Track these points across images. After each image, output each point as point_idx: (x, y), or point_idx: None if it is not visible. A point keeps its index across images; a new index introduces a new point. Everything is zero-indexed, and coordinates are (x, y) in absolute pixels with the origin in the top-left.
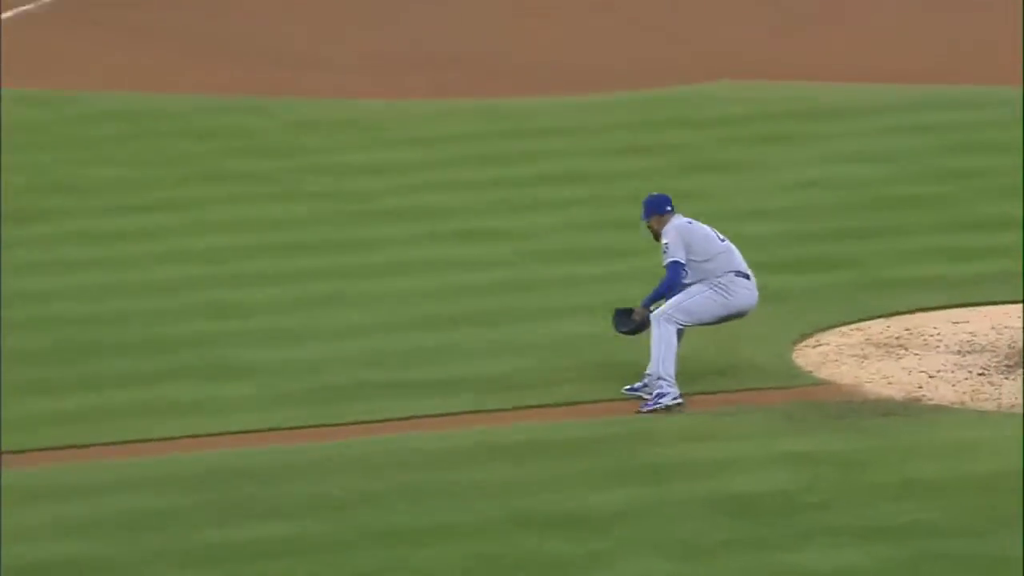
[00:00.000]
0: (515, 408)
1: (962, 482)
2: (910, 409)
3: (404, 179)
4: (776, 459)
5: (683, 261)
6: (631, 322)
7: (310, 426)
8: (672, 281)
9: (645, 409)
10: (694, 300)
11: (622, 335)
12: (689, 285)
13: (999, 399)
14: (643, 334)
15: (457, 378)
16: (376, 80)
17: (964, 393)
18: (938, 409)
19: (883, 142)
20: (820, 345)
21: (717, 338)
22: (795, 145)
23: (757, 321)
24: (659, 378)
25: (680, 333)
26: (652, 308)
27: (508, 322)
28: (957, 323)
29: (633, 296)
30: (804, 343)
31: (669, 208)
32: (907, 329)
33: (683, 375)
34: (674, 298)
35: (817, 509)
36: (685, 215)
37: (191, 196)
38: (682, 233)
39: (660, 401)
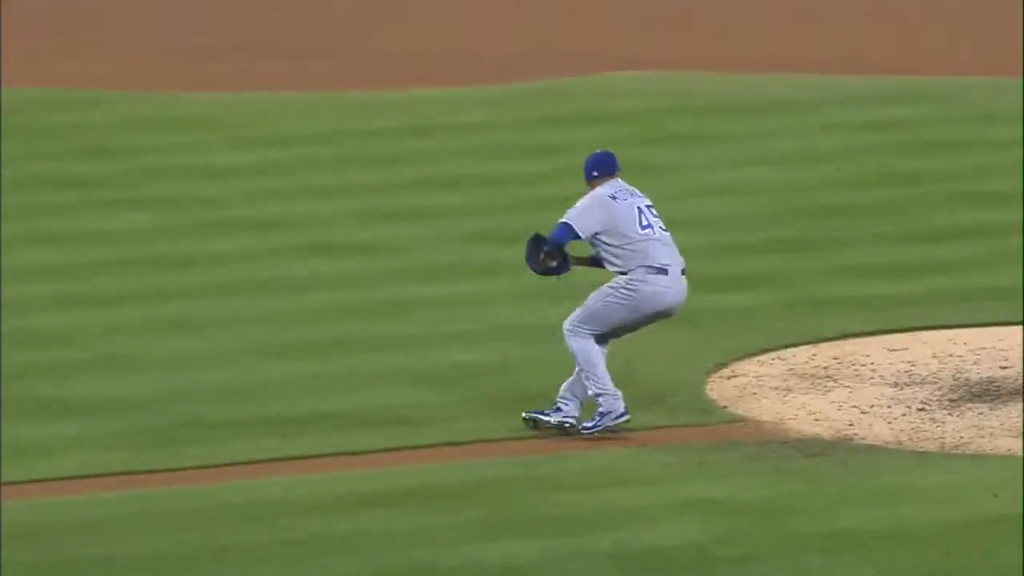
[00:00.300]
0: (389, 449)
1: (899, 533)
2: (840, 450)
3: (257, 184)
4: (687, 507)
5: (579, 232)
6: (537, 257)
7: (146, 471)
8: (553, 238)
9: (585, 432)
10: (597, 307)
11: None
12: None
13: (942, 438)
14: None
15: (321, 414)
16: (224, 70)
17: (901, 431)
18: (872, 450)
19: (811, 141)
20: (737, 376)
21: (617, 368)
22: (710, 145)
23: (665, 348)
24: (596, 395)
25: (605, 337)
26: (568, 257)
27: (378, 349)
28: (894, 351)
29: (519, 320)
30: (718, 373)
31: (596, 175)
32: (836, 358)
33: (583, 410)
34: (582, 306)
35: (734, 564)
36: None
37: (5, 205)
38: (600, 205)
39: (601, 421)
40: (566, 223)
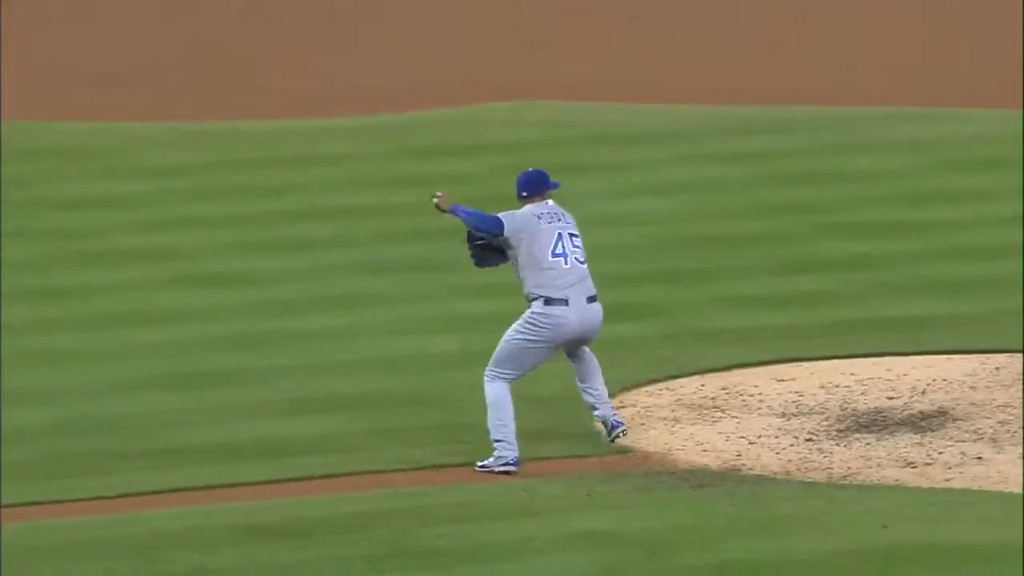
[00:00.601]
0: (270, 481)
1: (788, 565)
2: (728, 480)
3: (134, 215)
4: (574, 539)
5: (503, 226)
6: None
7: (16, 504)
8: (478, 215)
9: (478, 467)
10: (505, 347)
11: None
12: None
13: (830, 469)
14: None
15: (199, 446)
16: (100, 100)
17: (789, 462)
18: (760, 480)
19: (694, 171)
20: (624, 407)
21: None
22: (594, 175)
23: (553, 380)
24: (495, 441)
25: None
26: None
27: (255, 380)
28: (781, 381)
29: (395, 351)
30: None
31: (525, 194)
32: (724, 388)
33: (468, 442)
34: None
35: None
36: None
37: None
38: (525, 219)
39: (486, 464)
40: (497, 217)
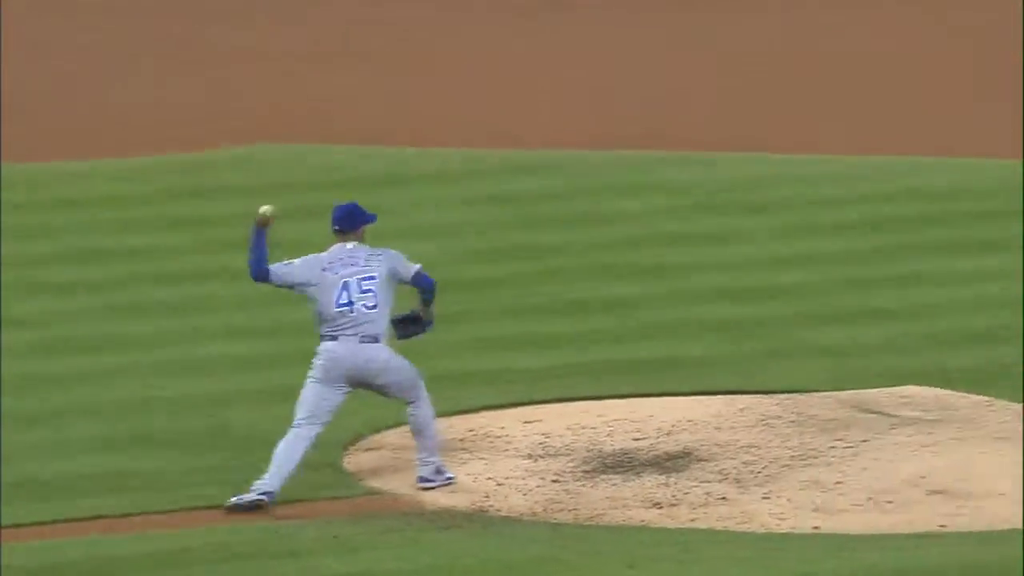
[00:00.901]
0: (32, 523)
1: None
2: (475, 521)
3: None
4: None
5: (268, 277)
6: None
7: None
8: (256, 255)
9: (231, 503)
10: (301, 395)
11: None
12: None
13: (577, 509)
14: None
15: (17, 481)
16: None
17: (537, 503)
18: (507, 521)
19: (440, 215)
20: (374, 448)
21: (257, 439)
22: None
23: None
24: (267, 474)
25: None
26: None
27: (22, 422)
28: (528, 423)
29: (163, 395)
30: (356, 445)
31: (336, 228)
32: (471, 430)
33: (228, 483)
34: None
35: None
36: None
37: None
38: (311, 269)
39: (244, 497)
40: (271, 268)
